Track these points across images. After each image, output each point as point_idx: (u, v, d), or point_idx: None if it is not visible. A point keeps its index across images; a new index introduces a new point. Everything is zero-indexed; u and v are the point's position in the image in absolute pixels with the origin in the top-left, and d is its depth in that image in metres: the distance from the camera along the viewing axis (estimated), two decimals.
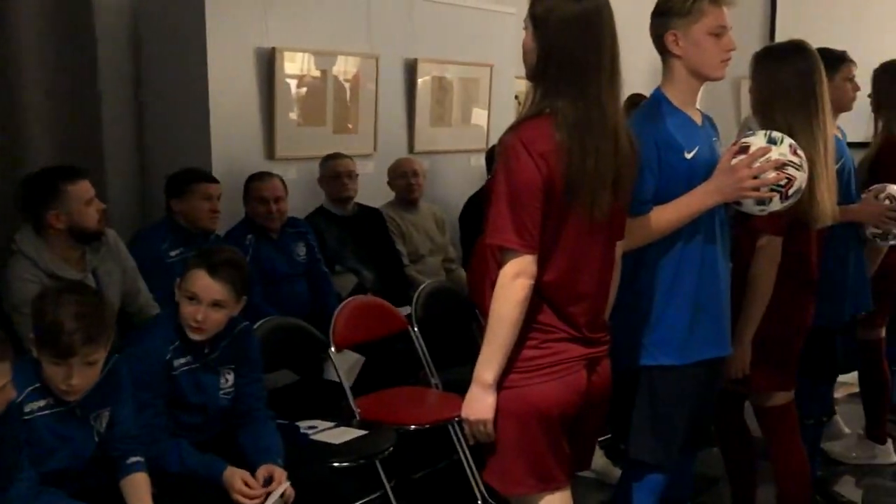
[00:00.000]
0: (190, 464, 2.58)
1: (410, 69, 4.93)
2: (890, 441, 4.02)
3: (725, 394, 2.85)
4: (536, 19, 2.10)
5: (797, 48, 2.82)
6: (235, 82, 4.00)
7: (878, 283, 3.51)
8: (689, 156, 2.38)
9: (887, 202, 3.29)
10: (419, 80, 4.96)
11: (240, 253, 2.89)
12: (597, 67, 2.06)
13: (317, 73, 4.43)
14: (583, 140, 2.03)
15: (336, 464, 2.94)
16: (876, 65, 3.76)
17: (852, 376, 3.94)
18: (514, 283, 2.03)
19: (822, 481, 3.59)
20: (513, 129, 2.08)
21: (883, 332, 3.83)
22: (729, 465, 3.18)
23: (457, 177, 5.19)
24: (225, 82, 3.93)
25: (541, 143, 2.02)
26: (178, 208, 3.56)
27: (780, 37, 6.47)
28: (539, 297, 2.08)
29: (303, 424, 3.11)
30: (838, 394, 4.23)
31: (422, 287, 3.87)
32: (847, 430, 4.17)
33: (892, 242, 3.42)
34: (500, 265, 2.06)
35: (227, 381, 2.77)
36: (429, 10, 4.95)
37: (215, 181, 3.64)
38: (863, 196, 3.34)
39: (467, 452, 3.33)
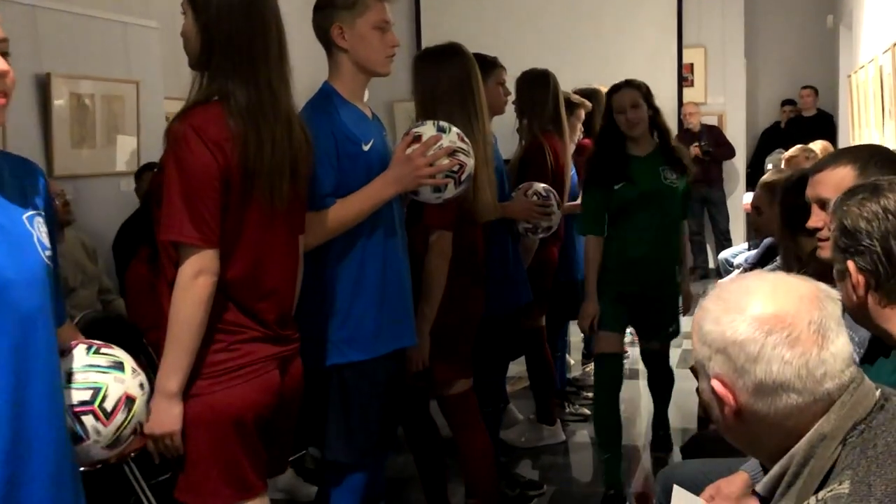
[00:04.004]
0: None
1: (43, 85, 4.46)
2: (558, 422, 4.34)
3: (409, 391, 2.87)
4: (196, 4, 1.97)
5: (454, 51, 2.95)
6: None
7: (534, 276, 3.77)
8: (366, 148, 2.37)
9: (535, 198, 3.55)
10: (54, 98, 4.50)
11: None
12: (265, 52, 1.99)
13: None
14: (258, 126, 1.94)
15: None
16: (517, 73, 4.06)
17: (522, 370, 4.19)
18: (195, 281, 1.88)
19: (504, 466, 3.77)
20: (181, 116, 1.94)
21: (543, 321, 4.12)
22: (420, 464, 3.20)
23: (106, 202, 4.79)
24: None
25: (214, 129, 1.89)
26: None
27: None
28: (223, 295, 1.94)
29: None
30: (510, 386, 4.49)
31: (76, 321, 3.45)
32: (520, 417, 4.44)
33: (541, 236, 3.69)
34: (177, 264, 1.89)
35: None
36: (58, 21, 4.52)
37: None
38: (513, 194, 3.57)
39: (147, 491, 3.02)
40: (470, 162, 2.46)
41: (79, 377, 1.61)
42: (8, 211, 1.48)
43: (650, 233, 3.51)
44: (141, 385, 1.70)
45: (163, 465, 2.02)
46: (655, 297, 3.60)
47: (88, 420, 1.61)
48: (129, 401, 1.66)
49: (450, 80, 2.87)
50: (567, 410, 4.62)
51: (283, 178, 1.98)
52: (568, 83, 4.93)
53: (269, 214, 1.98)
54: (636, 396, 5.24)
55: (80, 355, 1.64)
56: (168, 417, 1.88)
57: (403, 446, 3.32)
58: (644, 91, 3.52)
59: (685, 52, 7.94)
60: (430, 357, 2.77)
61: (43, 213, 1.56)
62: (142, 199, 4.41)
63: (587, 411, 4.67)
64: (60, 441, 1.51)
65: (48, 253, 1.52)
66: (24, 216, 1.51)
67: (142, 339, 3.46)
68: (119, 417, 1.64)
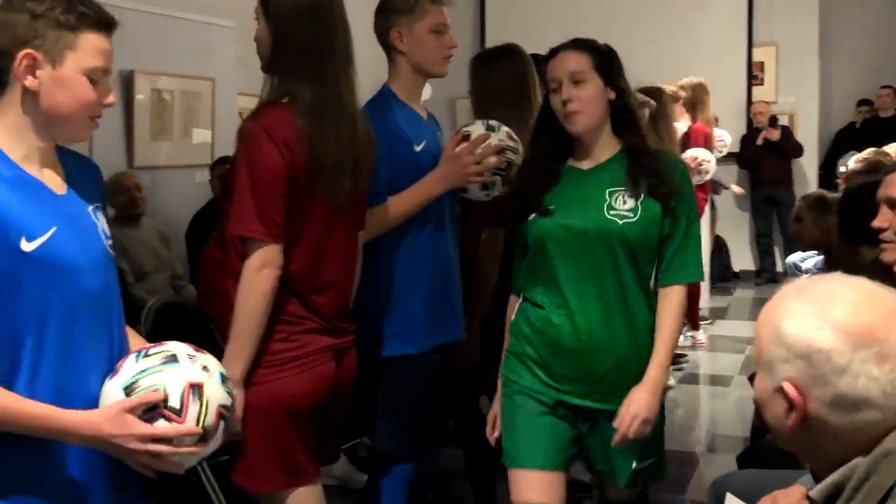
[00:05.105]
0: None
1: (127, 81, 4.68)
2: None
3: (459, 385, 2.94)
4: (269, 8, 2.09)
5: (510, 51, 3.01)
6: None
7: None
8: (418, 148, 2.46)
9: None
10: (137, 93, 4.72)
11: None
12: (331, 54, 2.09)
13: None
14: (323, 126, 2.04)
15: None
16: None
17: None
18: (259, 274, 1.99)
19: None
20: (254, 116, 2.06)
21: None
22: (469, 459, 3.26)
23: (181, 192, 5.00)
24: None
25: (283, 129, 2.00)
26: None
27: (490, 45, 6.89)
28: (285, 287, 2.04)
29: None
30: None
31: (150, 304, 3.65)
32: None
33: None
34: (243, 257, 2.01)
35: None
36: (143, 21, 4.72)
37: None
38: None
39: (207, 471, 3.18)
40: (518, 159, 2.51)
41: (135, 387, 1.54)
42: (77, 203, 1.63)
43: (584, 303, 2.12)
44: (204, 367, 1.60)
45: (224, 447, 2.13)
46: (608, 412, 2.12)
47: (161, 424, 1.53)
48: (196, 388, 1.55)
49: (505, 80, 2.93)
50: None
51: (346, 176, 2.08)
52: (634, 83, 4.93)
53: (330, 210, 2.08)
54: (694, 400, 5.23)
55: (131, 366, 1.57)
56: None
57: (454, 440, 3.37)
58: (600, 57, 2.16)
59: (755, 50, 7.83)
60: (480, 353, 2.83)
61: (101, 206, 1.70)
62: (214, 191, 4.60)
63: None
64: None
65: (109, 242, 1.67)
66: (89, 208, 1.65)
67: (209, 326, 3.61)
68: (193, 409, 1.54)
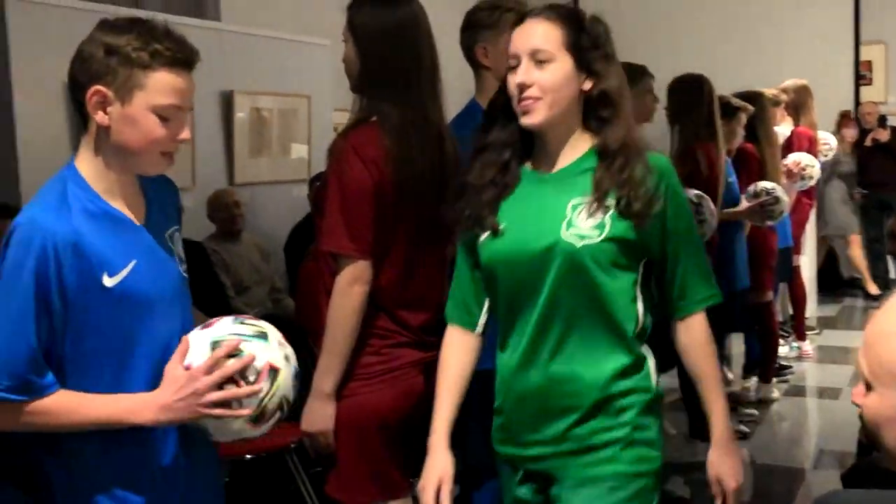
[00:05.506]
0: None
1: (227, 101, 4.83)
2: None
3: None
4: (356, 30, 2.14)
5: None
6: None
7: None
8: None
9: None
10: (237, 112, 4.87)
11: None
12: (417, 73, 2.11)
13: None
14: (409, 145, 2.07)
15: None
16: (669, 80, 4.03)
17: (675, 382, 4.13)
18: (350, 289, 2.02)
19: None
20: (343, 135, 2.11)
21: None
22: None
23: (279, 207, 5.12)
24: None
25: (371, 148, 2.04)
26: None
27: None
28: (374, 302, 2.07)
29: None
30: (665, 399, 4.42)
31: None
32: (673, 431, 4.38)
33: None
34: (334, 273, 2.05)
35: None
36: (240, 42, 4.88)
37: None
38: None
39: (306, 481, 3.24)
40: None
41: (222, 344, 1.56)
42: (155, 230, 1.65)
43: (537, 340, 1.74)
44: (286, 357, 1.60)
45: (317, 459, 2.18)
46: (567, 480, 1.78)
47: (230, 388, 1.55)
48: (273, 371, 1.56)
49: None
50: None
51: (432, 193, 2.10)
52: (733, 86, 4.82)
53: (418, 227, 2.11)
54: (800, 413, 5.05)
55: (227, 324, 1.60)
56: (321, 417, 2.04)
57: None
58: (576, 31, 1.73)
59: (863, 48, 7.53)
60: None
61: (178, 228, 1.73)
62: (312, 206, 4.70)
63: (745, 429, 4.55)
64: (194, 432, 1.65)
65: (184, 266, 1.70)
66: (167, 233, 1.68)
67: (306, 338, 3.70)
68: (262, 386, 1.55)
